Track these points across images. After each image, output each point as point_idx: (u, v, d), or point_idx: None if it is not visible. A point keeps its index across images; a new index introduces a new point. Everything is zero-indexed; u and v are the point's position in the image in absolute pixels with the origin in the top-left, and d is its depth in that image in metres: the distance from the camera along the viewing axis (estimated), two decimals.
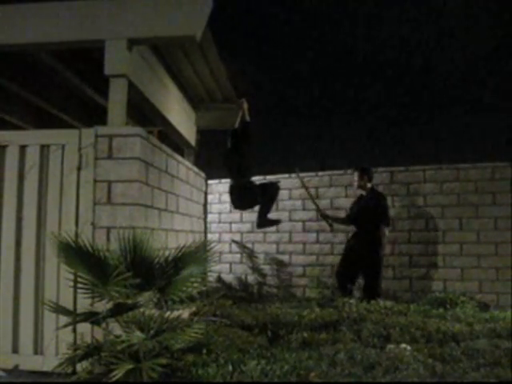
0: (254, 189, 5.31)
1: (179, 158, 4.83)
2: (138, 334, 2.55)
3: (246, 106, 5.40)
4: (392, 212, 6.34)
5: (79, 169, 3.54)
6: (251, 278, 6.78)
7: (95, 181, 3.52)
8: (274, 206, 6.99)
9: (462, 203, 6.15)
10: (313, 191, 6.85)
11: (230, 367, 2.97)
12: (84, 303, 2.99)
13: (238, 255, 7.27)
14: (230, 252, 7.37)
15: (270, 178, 7.20)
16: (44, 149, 3.61)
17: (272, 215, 5.61)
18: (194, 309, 3.90)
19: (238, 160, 5.26)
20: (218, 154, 5.64)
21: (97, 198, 3.51)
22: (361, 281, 5.70)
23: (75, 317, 2.85)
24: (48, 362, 3.29)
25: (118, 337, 2.65)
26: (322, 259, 6.78)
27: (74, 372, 2.95)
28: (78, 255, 2.76)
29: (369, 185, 5.87)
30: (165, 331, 2.62)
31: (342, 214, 6.34)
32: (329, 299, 5.56)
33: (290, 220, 7.05)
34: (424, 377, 2.93)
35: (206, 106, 6.69)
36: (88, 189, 3.51)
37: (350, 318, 4.34)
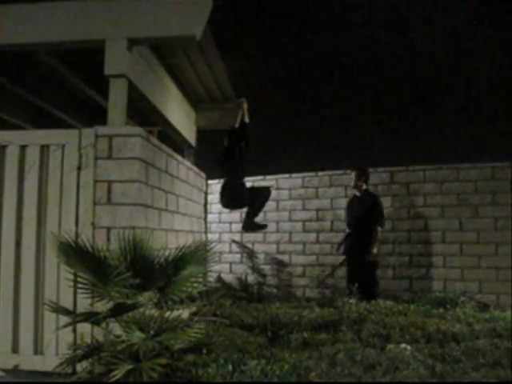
0: (243, 190, 5.31)
1: (179, 158, 4.84)
2: (138, 334, 2.55)
3: (245, 106, 5.41)
4: (392, 212, 6.36)
5: (79, 169, 3.54)
6: (251, 278, 6.77)
7: (95, 181, 3.52)
8: (274, 206, 7.02)
9: (461, 203, 6.15)
10: (313, 191, 6.86)
11: (230, 367, 2.97)
12: (84, 303, 3.00)
13: (238, 255, 7.27)
14: (230, 252, 7.37)
15: (270, 178, 7.22)
16: (44, 149, 3.61)
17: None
18: (193, 309, 3.91)
19: (232, 160, 5.26)
20: (218, 153, 5.64)
21: (97, 198, 3.51)
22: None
23: (75, 317, 2.85)
24: (48, 362, 3.29)
25: (118, 337, 2.65)
26: (322, 259, 6.78)
27: (74, 372, 2.95)
28: (78, 255, 2.77)
29: (364, 186, 5.90)
30: (165, 331, 2.62)
31: (342, 214, 6.38)
32: (329, 299, 5.55)
33: (290, 220, 7.05)
34: (424, 377, 2.93)
35: (205, 106, 6.70)
36: (88, 189, 3.51)
37: (349, 318, 4.34)
